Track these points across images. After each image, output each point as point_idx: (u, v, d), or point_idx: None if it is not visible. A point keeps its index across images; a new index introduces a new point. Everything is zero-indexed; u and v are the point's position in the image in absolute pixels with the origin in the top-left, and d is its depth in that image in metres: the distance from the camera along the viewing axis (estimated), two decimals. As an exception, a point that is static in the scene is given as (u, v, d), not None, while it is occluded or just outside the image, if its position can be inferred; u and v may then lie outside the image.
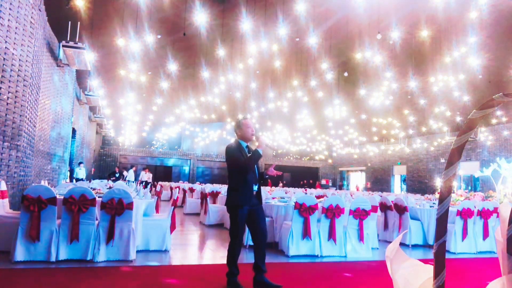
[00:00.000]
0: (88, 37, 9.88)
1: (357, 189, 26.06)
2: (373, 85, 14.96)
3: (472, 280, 4.56)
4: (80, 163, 15.43)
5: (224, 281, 3.69)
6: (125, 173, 20.22)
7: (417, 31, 10.47)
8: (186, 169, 27.89)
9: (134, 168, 20.48)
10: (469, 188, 19.76)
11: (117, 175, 19.15)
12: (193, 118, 21.64)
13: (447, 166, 0.75)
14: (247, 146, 3.80)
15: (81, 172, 14.72)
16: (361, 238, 5.45)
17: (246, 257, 5.05)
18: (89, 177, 18.17)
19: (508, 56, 12.03)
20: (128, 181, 17.57)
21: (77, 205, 4.27)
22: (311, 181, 28.78)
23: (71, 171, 14.37)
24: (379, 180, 26.59)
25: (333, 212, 5.30)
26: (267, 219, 6.00)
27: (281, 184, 24.05)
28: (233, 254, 3.61)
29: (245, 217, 3.64)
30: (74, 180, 13.54)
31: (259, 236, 3.71)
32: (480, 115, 0.75)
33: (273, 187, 17.55)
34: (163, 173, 27.23)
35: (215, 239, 6.65)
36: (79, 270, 4.01)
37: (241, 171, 3.63)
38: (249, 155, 3.69)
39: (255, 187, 3.72)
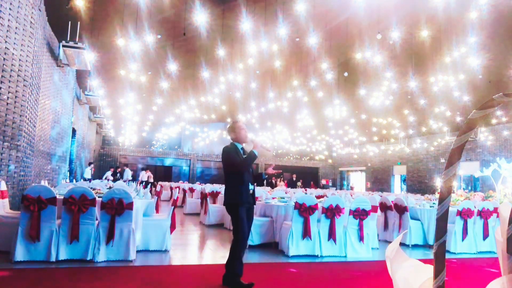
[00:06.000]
0: (88, 37, 9.88)
1: (352, 189, 25.89)
2: (373, 85, 14.95)
3: (472, 280, 4.56)
4: (90, 163, 16.12)
5: (224, 281, 3.68)
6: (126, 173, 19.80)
7: (417, 31, 10.46)
8: (186, 169, 27.88)
9: (147, 171, 20.61)
10: (469, 188, 19.75)
11: (118, 174, 19.19)
12: (193, 118, 21.62)
13: (447, 166, 0.75)
14: (242, 148, 3.95)
15: (90, 172, 15.43)
16: (361, 238, 5.45)
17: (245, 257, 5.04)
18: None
19: (508, 56, 12.03)
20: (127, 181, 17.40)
21: (77, 205, 4.27)
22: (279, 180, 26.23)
23: (71, 171, 14.43)
24: (379, 180, 26.58)
25: (333, 212, 5.30)
26: (267, 219, 6.01)
27: (300, 184, 23.03)
28: (238, 253, 3.66)
29: (245, 213, 3.76)
30: (73, 180, 13.61)
31: None
32: (480, 115, 0.75)
33: (289, 188, 17.51)
34: (163, 173, 27.21)
35: (215, 239, 6.65)
36: (79, 270, 4.01)
37: (238, 171, 3.78)
38: (244, 156, 3.85)
39: (251, 187, 3.87)
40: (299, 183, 22.19)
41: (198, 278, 4.00)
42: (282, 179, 23.54)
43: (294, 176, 22.63)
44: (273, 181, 23.04)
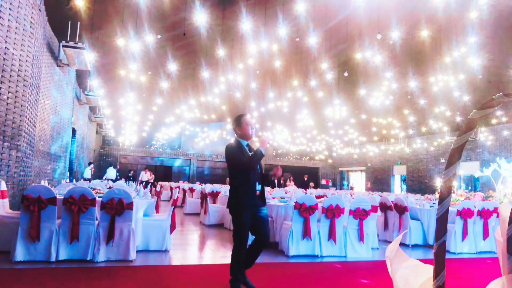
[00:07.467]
0: (88, 37, 9.87)
1: (352, 189, 25.87)
2: (373, 85, 14.95)
3: (472, 280, 4.55)
4: (90, 163, 16.22)
5: (224, 281, 3.68)
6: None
7: (417, 31, 10.46)
8: (186, 169, 27.88)
9: (146, 171, 20.50)
10: (469, 188, 19.74)
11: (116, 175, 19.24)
12: (193, 118, 21.61)
13: (447, 166, 0.75)
14: (247, 145, 3.61)
15: (90, 172, 15.55)
16: (361, 238, 5.45)
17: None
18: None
19: (508, 56, 12.02)
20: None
21: (77, 205, 4.27)
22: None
23: (71, 171, 14.44)
24: (379, 180, 26.57)
25: (333, 212, 5.30)
26: (267, 219, 6.00)
27: (312, 184, 22.94)
28: (238, 260, 3.38)
29: (249, 219, 3.42)
30: (73, 180, 13.62)
31: (260, 242, 3.50)
32: (480, 115, 0.75)
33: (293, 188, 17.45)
34: (163, 173, 27.21)
35: (215, 239, 6.65)
36: (79, 270, 4.01)
37: (243, 170, 3.45)
38: (250, 153, 3.50)
39: (259, 187, 3.54)
40: (311, 183, 22.28)
41: (198, 278, 4.00)
42: (291, 178, 23.60)
43: (306, 176, 22.66)
44: (281, 181, 23.08)
